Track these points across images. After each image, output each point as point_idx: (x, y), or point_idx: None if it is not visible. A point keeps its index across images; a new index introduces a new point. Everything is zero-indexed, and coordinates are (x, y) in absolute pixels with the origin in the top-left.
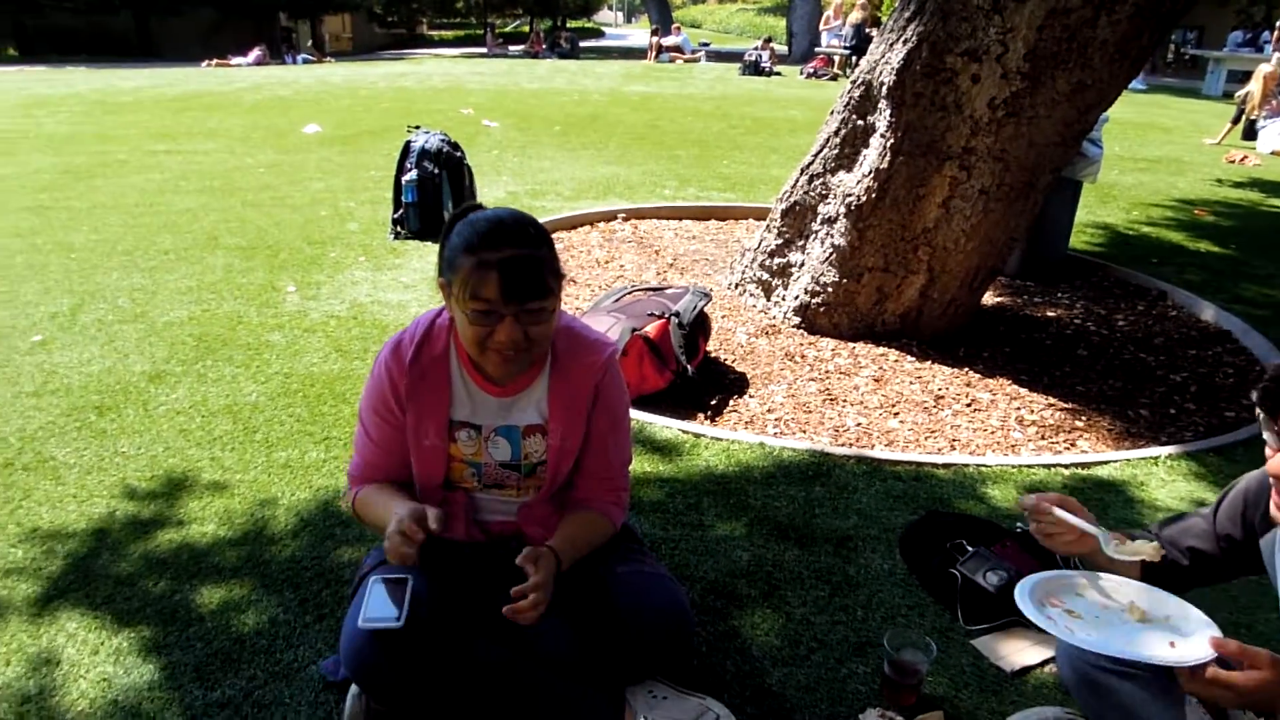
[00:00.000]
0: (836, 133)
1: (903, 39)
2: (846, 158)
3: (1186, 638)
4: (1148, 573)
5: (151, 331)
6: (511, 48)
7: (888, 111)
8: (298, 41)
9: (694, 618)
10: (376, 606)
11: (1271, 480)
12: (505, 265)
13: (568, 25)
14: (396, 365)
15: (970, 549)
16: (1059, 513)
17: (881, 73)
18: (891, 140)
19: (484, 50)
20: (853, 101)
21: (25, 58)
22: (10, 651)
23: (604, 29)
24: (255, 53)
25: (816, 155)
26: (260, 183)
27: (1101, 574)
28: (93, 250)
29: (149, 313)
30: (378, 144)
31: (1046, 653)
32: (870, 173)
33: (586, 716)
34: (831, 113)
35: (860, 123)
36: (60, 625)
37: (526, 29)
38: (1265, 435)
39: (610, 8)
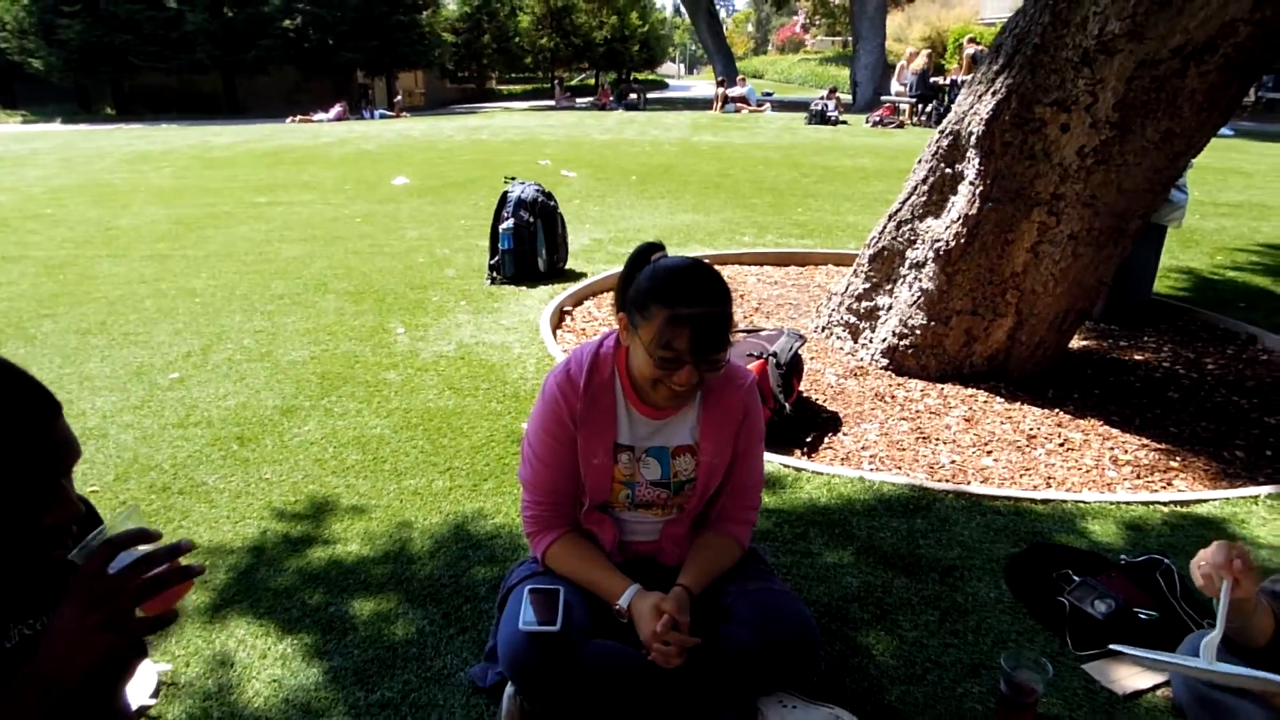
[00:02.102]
0: (925, 180)
1: (991, 90)
2: (935, 204)
3: None
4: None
5: (277, 369)
6: (579, 100)
7: (976, 160)
8: (374, 97)
9: (819, 634)
10: (532, 613)
11: None
12: (697, 322)
13: (634, 78)
14: (571, 389)
15: (1076, 578)
16: (1224, 589)
17: (970, 123)
18: (980, 187)
19: (552, 103)
20: (941, 150)
21: (121, 116)
22: (189, 654)
23: (667, 80)
24: (336, 109)
25: (904, 202)
26: (358, 232)
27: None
28: (214, 294)
29: (273, 352)
30: (464, 194)
31: (1159, 677)
32: (959, 219)
33: None
34: (919, 161)
35: (949, 171)
36: (230, 631)
37: (592, 82)
38: None
39: (672, 60)
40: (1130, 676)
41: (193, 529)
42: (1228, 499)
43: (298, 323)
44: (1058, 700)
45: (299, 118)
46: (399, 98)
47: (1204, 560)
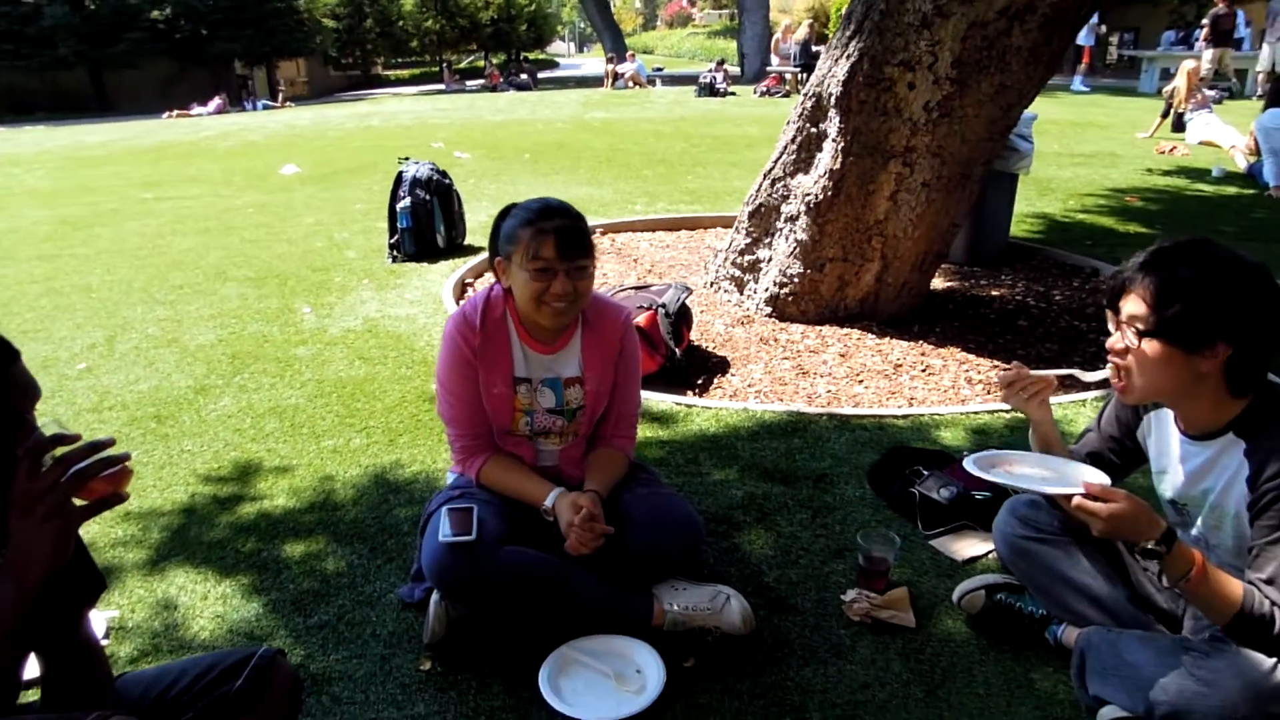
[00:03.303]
0: (793, 140)
1: (846, 54)
2: (804, 161)
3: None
4: None
5: (186, 353)
6: (469, 83)
7: (837, 118)
8: (255, 88)
9: (704, 526)
10: (450, 528)
11: (1110, 358)
12: (559, 231)
13: (525, 58)
14: (468, 328)
15: (925, 472)
16: (1030, 372)
17: (829, 84)
18: (842, 143)
19: (442, 87)
20: (806, 111)
21: None
22: (133, 602)
23: (557, 60)
24: (216, 101)
25: (777, 161)
26: (253, 221)
27: (1034, 454)
28: (110, 289)
29: (180, 338)
30: (357, 180)
31: (989, 546)
32: (825, 173)
33: (622, 608)
34: (788, 122)
35: (814, 130)
36: (170, 580)
37: (481, 64)
38: (1110, 329)
39: (562, 39)
40: (966, 548)
41: None
42: (1061, 403)
43: (201, 310)
44: (908, 569)
45: (176, 112)
46: (283, 87)
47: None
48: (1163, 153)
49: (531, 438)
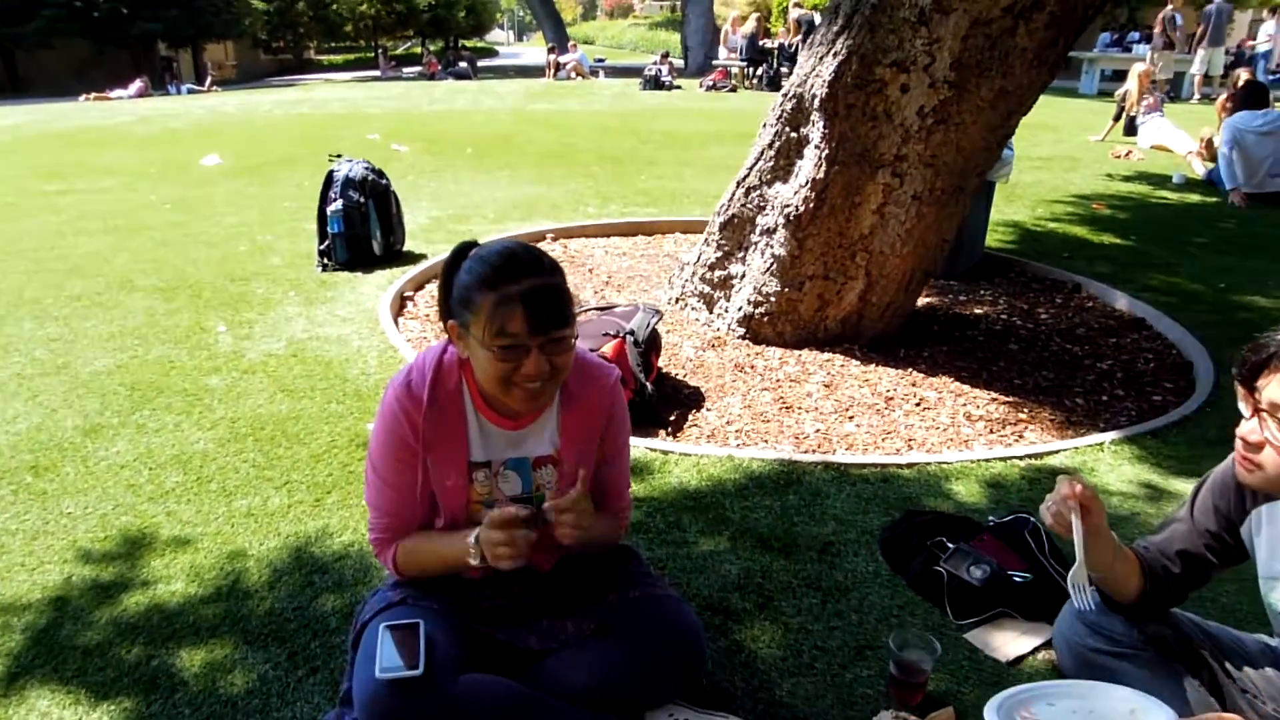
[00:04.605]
0: (770, 145)
1: (832, 52)
2: (782, 169)
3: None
4: (1149, 587)
5: (77, 383)
6: (405, 70)
7: (821, 123)
8: (179, 71)
9: (706, 638)
10: (390, 655)
11: (1238, 443)
12: (528, 297)
13: (463, 45)
14: (413, 405)
15: (950, 545)
16: (1075, 521)
17: (813, 85)
18: (826, 150)
19: (377, 74)
20: (785, 114)
21: None
22: None
23: (497, 48)
24: (136, 84)
25: (751, 168)
26: (168, 220)
27: (1067, 682)
28: None
29: (71, 363)
30: (287, 174)
31: (1038, 639)
32: (807, 183)
33: None
34: (764, 125)
35: (794, 134)
36: (30, 704)
37: (419, 51)
38: (1240, 406)
39: (501, 27)
40: (1010, 642)
41: None
42: (1076, 448)
43: (99, 327)
44: (945, 674)
45: (94, 96)
46: (212, 70)
47: (1049, 500)
48: (1118, 157)
49: None
